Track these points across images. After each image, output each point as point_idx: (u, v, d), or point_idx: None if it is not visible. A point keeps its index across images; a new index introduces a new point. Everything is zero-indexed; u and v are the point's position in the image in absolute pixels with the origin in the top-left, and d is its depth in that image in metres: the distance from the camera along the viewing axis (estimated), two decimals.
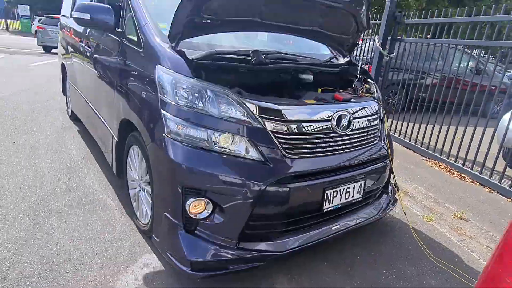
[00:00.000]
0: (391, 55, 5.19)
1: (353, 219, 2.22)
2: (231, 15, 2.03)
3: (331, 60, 2.80)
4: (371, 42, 5.88)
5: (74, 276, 1.87)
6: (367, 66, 6.05)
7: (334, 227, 2.10)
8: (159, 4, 2.50)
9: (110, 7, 2.35)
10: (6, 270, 1.86)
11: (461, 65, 4.92)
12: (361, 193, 2.16)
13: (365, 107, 2.23)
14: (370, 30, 6.21)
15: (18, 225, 2.26)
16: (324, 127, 1.95)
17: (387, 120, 5.28)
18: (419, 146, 4.65)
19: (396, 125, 5.17)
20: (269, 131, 1.79)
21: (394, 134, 5.10)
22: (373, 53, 5.71)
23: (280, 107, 1.83)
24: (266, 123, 1.79)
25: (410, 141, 4.82)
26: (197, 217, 1.75)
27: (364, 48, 6.23)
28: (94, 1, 3.06)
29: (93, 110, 3.12)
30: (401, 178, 3.67)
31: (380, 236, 2.57)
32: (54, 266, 1.93)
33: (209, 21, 1.95)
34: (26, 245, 2.08)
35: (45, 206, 2.51)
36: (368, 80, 2.61)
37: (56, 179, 2.95)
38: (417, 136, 4.70)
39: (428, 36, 4.85)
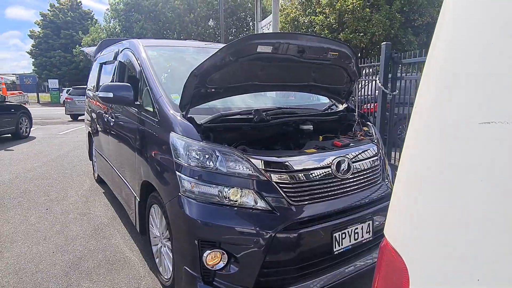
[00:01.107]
0: (394, 92, 5.40)
1: (367, 260, 2.25)
2: (232, 82, 2.30)
3: (331, 108, 3.02)
4: (373, 82, 6.13)
5: None
6: (372, 104, 6.26)
7: (349, 269, 2.15)
8: (170, 78, 2.85)
9: (129, 84, 2.70)
10: None
11: None
12: (371, 233, 2.24)
13: (364, 151, 2.38)
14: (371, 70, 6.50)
15: None
16: (325, 173, 2.10)
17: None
18: None
19: None
20: (274, 183, 1.96)
21: None
22: (376, 92, 5.94)
23: (282, 160, 2.02)
24: (270, 175, 1.96)
25: None
26: (214, 268, 1.88)
27: (370, 88, 6.48)
28: (115, 78, 3.48)
29: (117, 173, 3.41)
30: None
31: None
32: None
33: (213, 90, 2.23)
34: None
35: (76, 269, 2.69)
36: (367, 123, 2.79)
37: (85, 241, 3.16)
38: None
39: None
